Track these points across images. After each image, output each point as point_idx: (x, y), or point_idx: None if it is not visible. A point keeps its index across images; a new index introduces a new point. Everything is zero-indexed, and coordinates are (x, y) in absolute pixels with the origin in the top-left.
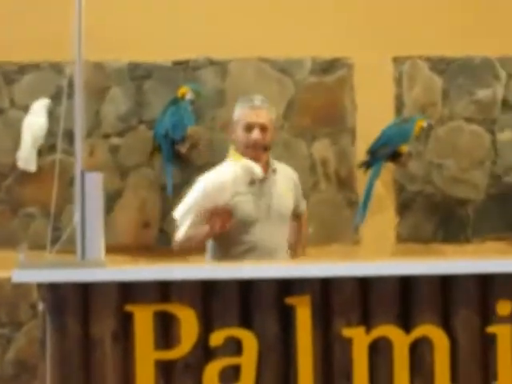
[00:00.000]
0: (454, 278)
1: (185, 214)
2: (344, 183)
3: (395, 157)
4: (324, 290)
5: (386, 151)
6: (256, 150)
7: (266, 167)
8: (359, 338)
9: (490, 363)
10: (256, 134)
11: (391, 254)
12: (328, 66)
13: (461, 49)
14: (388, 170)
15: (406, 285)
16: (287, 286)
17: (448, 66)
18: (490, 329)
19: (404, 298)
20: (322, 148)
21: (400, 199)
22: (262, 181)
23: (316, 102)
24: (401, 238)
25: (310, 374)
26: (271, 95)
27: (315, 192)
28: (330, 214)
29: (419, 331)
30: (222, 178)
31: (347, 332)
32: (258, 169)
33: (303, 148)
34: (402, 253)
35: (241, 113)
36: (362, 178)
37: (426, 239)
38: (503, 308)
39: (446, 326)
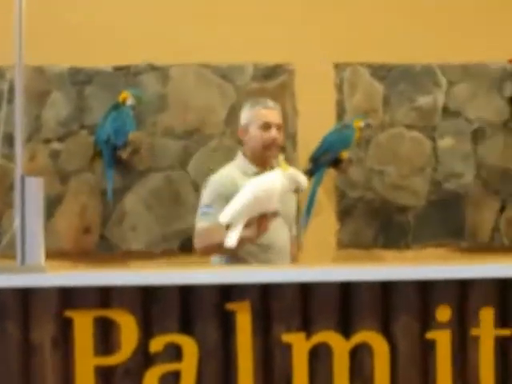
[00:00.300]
0: (394, 284)
1: (235, 218)
2: None
3: (336, 163)
4: (264, 296)
5: (327, 158)
6: (273, 149)
7: (271, 168)
8: (299, 344)
9: (430, 369)
10: (274, 132)
11: (332, 260)
12: (269, 72)
13: (402, 56)
14: (329, 176)
15: (346, 291)
16: (227, 292)
17: (389, 73)
18: (430, 334)
19: (344, 304)
20: None
21: (341, 205)
22: None
23: None
24: (342, 244)
25: (251, 380)
26: (212, 101)
27: None
28: None
29: (359, 337)
30: (272, 186)
31: (287, 338)
32: (303, 178)
33: None
34: (342, 259)
35: (255, 113)
36: None
37: (366, 245)
38: (443, 314)
39: (386, 331)
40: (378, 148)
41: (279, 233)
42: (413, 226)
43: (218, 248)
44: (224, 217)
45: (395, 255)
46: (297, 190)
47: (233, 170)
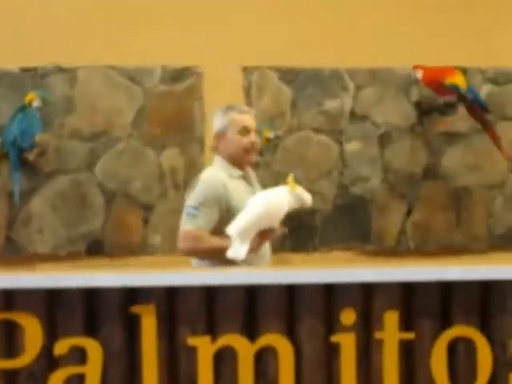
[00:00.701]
0: (299, 287)
1: (245, 231)
2: None
3: None
4: (170, 299)
5: None
6: (252, 154)
7: (249, 173)
8: (204, 347)
9: (334, 372)
10: (254, 136)
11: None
12: (178, 75)
13: (310, 60)
14: None
15: (252, 294)
16: (133, 295)
17: (297, 77)
18: (334, 338)
19: (249, 307)
20: (170, 157)
21: None
22: (253, 184)
23: (165, 110)
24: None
25: (155, 383)
26: (120, 103)
27: (164, 201)
28: (178, 223)
29: (264, 340)
30: (281, 203)
31: (192, 341)
32: (308, 197)
33: (152, 156)
34: None
35: (233, 118)
36: None
37: (274, 248)
38: (347, 317)
39: (291, 335)
40: (285, 152)
41: None
42: (320, 229)
43: (205, 253)
44: (233, 229)
45: (303, 258)
46: (300, 208)
47: (219, 173)
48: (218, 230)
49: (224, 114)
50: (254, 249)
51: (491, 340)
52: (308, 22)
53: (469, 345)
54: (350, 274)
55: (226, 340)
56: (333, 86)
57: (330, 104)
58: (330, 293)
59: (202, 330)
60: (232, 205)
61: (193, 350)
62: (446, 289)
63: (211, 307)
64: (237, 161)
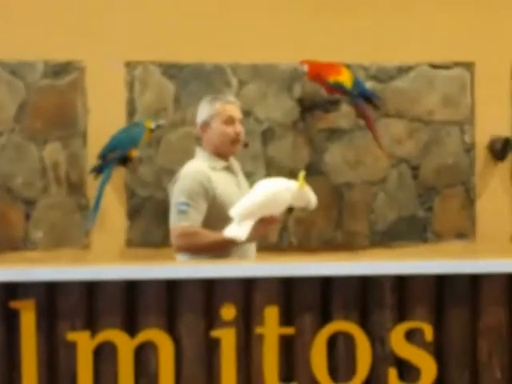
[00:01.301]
0: (179, 283)
1: (246, 214)
2: (75, 187)
3: (126, 161)
4: (50, 294)
5: (116, 156)
6: (237, 144)
7: (233, 163)
8: (84, 343)
9: (214, 366)
10: (239, 126)
11: (121, 259)
12: (60, 69)
13: (193, 55)
14: (119, 174)
15: (132, 289)
16: (13, 290)
17: (180, 72)
18: (215, 333)
19: (129, 302)
20: (53, 151)
21: (130, 204)
22: (237, 174)
23: (48, 105)
24: (131, 243)
25: (34, 379)
26: (2, 97)
27: (45, 196)
28: (60, 218)
29: (144, 335)
30: (287, 196)
31: (72, 336)
32: (314, 199)
33: (34, 151)
34: (131, 257)
35: (218, 108)
36: (92, 183)
37: (156, 244)
38: (227, 312)
39: (171, 330)
40: (168, 147)
41: None
42: None
43: (203, 248)
44: (236, 210)
45: None
46: (304, 208)
47: (202, 166)
48: (206, 222)
49: (208, 105)
50: (254, 236)
51: (370, 335)
52: (191, 16)
53: (348, 340)
54: (231, 270)
55: (105, 335)
56: (216, 82)
57: None
58: (210, 288)
59: (81, 326)
60: (217, 197)
61: (72, 346)
62: (326, 284)
63: (91, 302)
64: (221, 151)
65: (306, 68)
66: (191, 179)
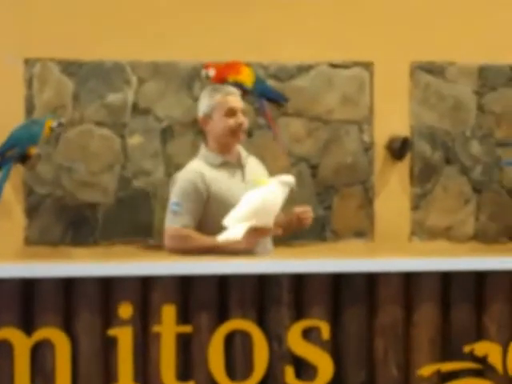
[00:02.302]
0: (76, 281)
1: (237, 223)
2: None
3: (24, 159)
4: None
5: (14, 153)
6: (239, 135)
7: (239, 155)
8: None
9: (111, 365)
10: (241, 117)
11: (20, 257)
12: None
13: (92, 52)
14: (17, 172)
15: (28, 287)
16: None
17: (79, 69)
18: (111, 331)
19: (26, 300)
20: None
21: (29, 202)
22: (240, 167)
23: None
24: (29, 241)
25: None
26: None
27: None
28: None
29: (40, 334)
30: (275, 199)
31: None
32: (290, 177)
33: None
34: (30, 255)
35: (219, 99)
36: None
37: (54, 242)
38: (124, 311)
39: (68, 328)
40: (67, 144)
41: None
42: (101, 222)
43: (193, 252)
44: (229, 220)
45: (83, 252)
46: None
47: (199, 164)
48: (204, 221)
49: (209, 97)
50: (250, 246)
51: (267, 333)
52: (91, 13)
53: (245, 338)
54: (127, 268)
55: (2, 334)
56: (115, 79)
57: (113, 97)
58: (108, 286)
59: None
60: (212, 196)
61: None
62: (223, 282)
63: None
64: (223, 144)
65: (211, 73)
66: (184, 179)
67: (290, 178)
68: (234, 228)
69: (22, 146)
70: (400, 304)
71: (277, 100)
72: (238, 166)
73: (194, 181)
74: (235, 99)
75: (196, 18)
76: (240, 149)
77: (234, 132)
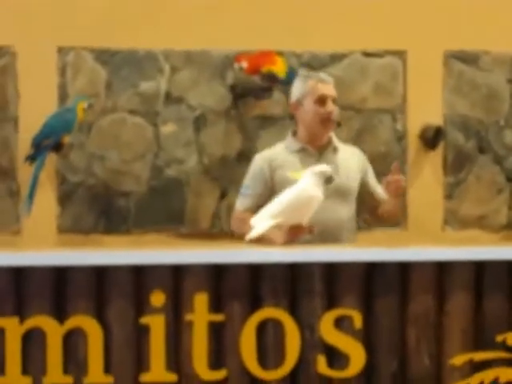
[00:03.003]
0: (109, 269)
1: (264, 222)
2: (5, 172)
3: (58, 147)
4: None
5: (49, 142)
6: (329, 124)
7: (327, 144)
8: (12, 329)
9: (144, 353)
10: (330, 105)
11: (53, 245)
12: None
13: (125, 41)
14: (50, 160)
15: (61, 275)
16: None
17: (112, 58)
18: (144, 319)
19: (58, 288)
20: None
21: (61, 190)
22: (319, 156)
23: None
24: (62, 229)
25: None
26: None
27: None
28: None
29: (73, 322)
30: (307, 194)
31: (0, 322)
32: (325, 168)
33: None
34: (63, 243)
35: (310, 86)
36: (23, 167)
37: (87, 230)
38: (156, 299)
39: (100, 316)
40: (99, 133)
41: (328, 210)
42: (134, 211)
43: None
44: (255, 219)
45: (116, 240)
46: (328, 181)
47: (277, 148)
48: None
49: (302, 82)
50: (279, 242)
51: (300, 322)
52: (124, 1)
53: (277, 327)
54: (160, 256)
55: (34, 321)
56: (148, 68)
57: (146, 86)
58: (140, 274)
59: (10, 311)
60: (276, 180)
61: (0, 332)
62: (256, 271)
63: (19, 288)
64: (312, 132)
65: (244, 65)
66: (254, 163)
67: (324, 168)
68: (259, 226)
69: (57, 134)
70: (432, 293)
71: None
72: (317, 154)
73: (260, 165)
74: (327, 87)
75: (229, 7)
76: (332, 139)
77: (322, 120)
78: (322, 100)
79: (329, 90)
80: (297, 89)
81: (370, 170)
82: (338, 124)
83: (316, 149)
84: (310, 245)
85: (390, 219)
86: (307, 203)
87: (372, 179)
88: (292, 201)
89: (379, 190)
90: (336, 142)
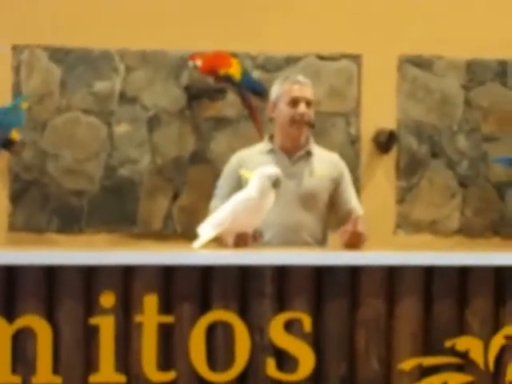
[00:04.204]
0: (59, 269)
1: (208, 232)
2: None
3: (9, 145)
4: None
5: None
6: (301, 126)
7: (301, 147)
8: None
9: (93, 354)
10: (302, 107)
11: (4, 243)
12: None
13: (80, 39)
14: (2, 158)
15: (11, 275)
16: None
17: (67, 56)
18: (93, 320)
19: (8, 287)
20: None
21: (14, 188)
22: (292, 161)
23: None
24: (14, 227)
25: None
26: None
27: None
28: None
29: (22, 321)
30: (253, 199)
31: None
32: (272, 170)
33: None
34: (14, 242)
35: (284, 88)
36: None
37: (39, 229)
38: (106, 300)
39: (50, 316)
40: (53, 131)
41: (291, 214)
42: (86, 210)
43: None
44: (202, 228)
45: (68, 240)
46: (276, 184)
47: (252, 149)
48: None
49: (279, 84)
50: (230, 246)
51: (249, 325)
52: (79, 1)
53: (227, 329)
54: (110, 257)
55: None
56: (103, 67)
57: (100, 85)
58: (90, 275)
59: None
60: (246, 181)
61: None
62: (206, 273)
63: None
64: (286, 134)
65: (198, 63)
66: (228, 163)
67: (271, 171)
68: (203, 235)
69: (5, 130)
70: (382, 297)
71: (260, 92)
72: (287, 156)
73: (232, 165)
74: (302, 89)
75: (185, 7)
76: (309, 142)
77: (294, 121)
78: (294, 102)
79: (303, 92)
80: (274, 91)
81: (346, 180)
82: (311, 126)
83: (288, 151)
84: (265, 246)
85: (349, 244)
86: (252, 212)
87: (345, 191)
88: (236, 209)
89: (352, 203)
90: (312, 146)
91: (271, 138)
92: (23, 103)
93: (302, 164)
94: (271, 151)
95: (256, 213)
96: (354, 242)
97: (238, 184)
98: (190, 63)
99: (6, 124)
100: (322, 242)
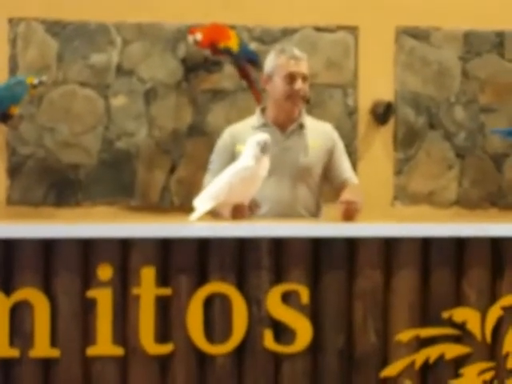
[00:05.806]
0: (56, 242)
1: (205, 204)
2: None
3: (6, 118)
4: None
5: None
6: (296, 101)
7: (293, 120)
8: None
9: (90, 327)
10: (299, 83)
11: (1, 217)
12: None
13: (77, 12)
14: (0, 131)
15: (8, 248)
16: None
17: (63, 29)
18: (91, 293)
19: (5, 260)
20: None
21: (11, 162)
22: (285, 134)
23: None
24: (11, 201)
25: None
26: None
27: None
28: None
29: (19, 295)
30: (247, 171)
31: None
32: (262, 137)
33: None
34: (12, 215)
35: (281, 62)
36: None
37: (36, 202)
38: (104, 272)
39: (47, 289)
40: (50, 105)
41: (285, 188)
42: (84, 183)
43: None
44: (196, 201)
45: (66, 213)
46: (264, 150)
47: (245, 123)
48: None
49: (274, 57)
50: (227, 218)
51: (247, 297)
52: None
53: (224, 301)
54: (107, 230)
55: None
56: (99, 40)
57: (97, 58)
58: (87, 248)
59: None
60: (237, 154)
61: None
62: (203, 245)
63: None
64: (280, 108)
65: (198, 37)
66: (220, 137)
67: (259, 137)
68: (199, 208)
69: (4, 105)
70: (379, 269)
71: (254, 61)
72: (279, 130)
73: (224, 139)
74: (298, 64)
75: None
76: (301, 115)
77: (289, 97)
78: (291, 77)
79: (300, 67)
80: (269, 63)
81: (340, 150)
82: (307, 101)
83: (282, 125)
84: (261, 219)
85: (345, 216)
86: (248, 182)
87: (339, 161)
88: (231, 180)
89: (346, 173)
90: (304, 118)
91: (263, 110)
92: (30, 78)
93: (296, 137)
94: (264, 125)
95: (252, 182)
96: (349, 211)
97: (231, 158)
98: (190, 38)
99: (4, 100)
100: (315, 214)
